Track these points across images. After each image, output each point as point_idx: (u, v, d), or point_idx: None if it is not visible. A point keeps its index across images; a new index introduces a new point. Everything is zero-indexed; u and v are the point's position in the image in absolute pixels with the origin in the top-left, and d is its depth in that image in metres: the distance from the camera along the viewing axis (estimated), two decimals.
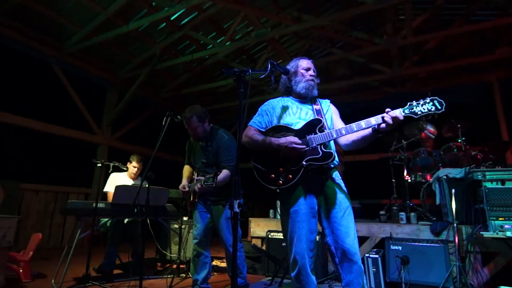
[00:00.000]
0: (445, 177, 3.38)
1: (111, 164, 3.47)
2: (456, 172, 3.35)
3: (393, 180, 4.61)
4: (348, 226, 1.81)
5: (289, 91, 2.11)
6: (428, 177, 4.22)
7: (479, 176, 2.95)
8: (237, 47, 5.98)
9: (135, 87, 6.36)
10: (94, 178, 6.22)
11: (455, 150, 4.23)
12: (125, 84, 6.67)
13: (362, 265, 1.78)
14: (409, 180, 4.44)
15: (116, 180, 3.97)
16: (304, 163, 1.80)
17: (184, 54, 6.38)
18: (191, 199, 2.81)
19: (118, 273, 3.63)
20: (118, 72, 6.60)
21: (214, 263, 4.09)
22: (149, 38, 5.89)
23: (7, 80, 5.17)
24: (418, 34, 5.21)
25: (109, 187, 3.95)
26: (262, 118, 2.09)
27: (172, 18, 5.49)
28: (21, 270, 3.21)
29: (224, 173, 2.66)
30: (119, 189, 3.33)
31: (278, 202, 3.83)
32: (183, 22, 5.64)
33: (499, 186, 2.85)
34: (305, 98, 2.07)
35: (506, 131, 5.88)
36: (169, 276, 3.41)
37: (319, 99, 2.12)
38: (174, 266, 3.62)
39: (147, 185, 2.77)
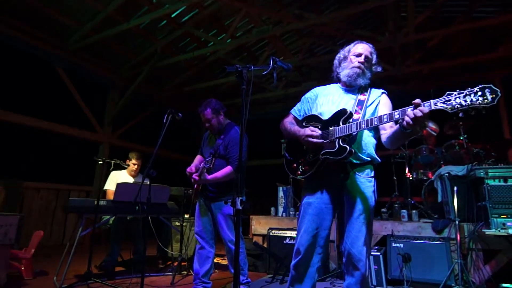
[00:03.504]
0: (447, 174, 3.37)
1: (113, 161, 3.48)
2: (458, 170, 3.34)
3: (395, 178, 4.59)
4: (359, 230, 1.72)
5: (338, 78, 1.98)
6: (430, 174, 4.21)
7: (482, 174, 2.94)
8: (238, 44, 5.97)
9: (136, 84, 6.35)
10: (96, 176, 6.22)
11: (457, 148, 4.21)
12: (126, 82, 6.65)
13: (366, 273, 1.71)
14: (411, 178, 4.42)
15: (116, 178, 3.97)
16: (320, 156, 1.74)
17: (185, 51, 6.37)
18: (196, 186, 2.81)
19: (119, 270, 3.65)
20: (120, 70, 6.59)
21: (215, 260, 4.09)
22: (150, 35, 5.87)
23: (9, 78, 5.17)
24: (420, 32, 5.18)
25: (109, 185, 3.96)
26: (302, 106, 2.04)
27: (173, 15, 5.47)
28: (23, 268, 3.23)
29: (226, 169, 2.68)
30: (120, 186, 3.33)
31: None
32: (184, 19, 5.62)
33: (502, 183, 2.84)
34: (352, 87, 1.92)
35: (508, 129, 5.86)
36: (171, 273, 3.41)
37: (372, 88, 1.93)
38: (176, 263, 3.63)
39: (148, 183, 2.77)
